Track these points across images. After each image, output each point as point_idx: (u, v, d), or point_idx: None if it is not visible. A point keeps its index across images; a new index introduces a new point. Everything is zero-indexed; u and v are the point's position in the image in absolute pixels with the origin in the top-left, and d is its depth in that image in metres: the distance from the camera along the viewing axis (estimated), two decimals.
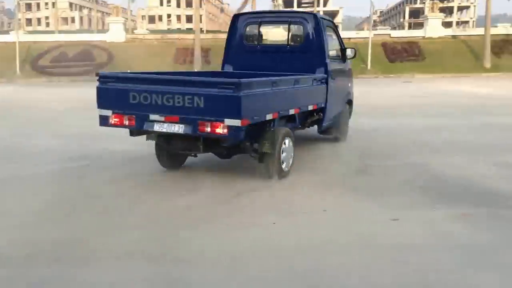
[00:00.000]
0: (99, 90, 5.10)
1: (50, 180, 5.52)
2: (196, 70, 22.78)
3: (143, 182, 5.40)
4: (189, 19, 79.10)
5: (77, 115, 11.15)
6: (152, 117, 4.87)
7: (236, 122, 4.51)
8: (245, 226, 3.97)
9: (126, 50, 32.33)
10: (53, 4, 60.15)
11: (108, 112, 5.04)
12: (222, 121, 4.53)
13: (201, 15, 71.44)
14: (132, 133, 5.42)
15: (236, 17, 7.29)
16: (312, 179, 5.45)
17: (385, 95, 17.54)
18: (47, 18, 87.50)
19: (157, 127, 4.91)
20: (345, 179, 5.45)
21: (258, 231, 3.88)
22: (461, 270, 3.17)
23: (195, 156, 5.76)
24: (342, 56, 7.43)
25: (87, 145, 7.45)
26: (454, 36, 34.76)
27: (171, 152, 5.64)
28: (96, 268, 3.21)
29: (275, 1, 38.56)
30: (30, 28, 77.94)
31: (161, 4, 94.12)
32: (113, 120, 5.03)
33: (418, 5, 79.15)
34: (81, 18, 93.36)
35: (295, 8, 62.20)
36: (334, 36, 7.37)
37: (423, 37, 34.32)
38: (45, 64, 30.51)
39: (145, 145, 6.00)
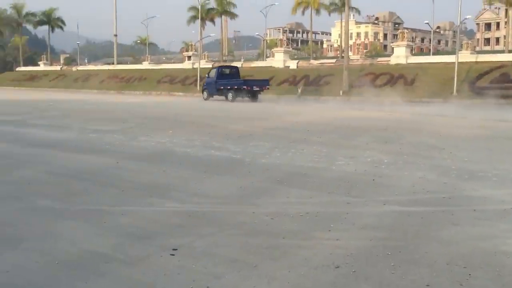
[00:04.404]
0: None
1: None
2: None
3: None
4: None
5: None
6: (254, 87, 29.66)
7: (267, 87, 30.81)
8: None
9: None
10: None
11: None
12: (267, 86, 30.81)
13: None
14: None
15: (218, 67, 33.79)
16: None
17: None
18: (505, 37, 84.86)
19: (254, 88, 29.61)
20: None
21: None
22: None
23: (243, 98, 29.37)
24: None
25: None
26: None
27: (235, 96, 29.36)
28: None
29: None
30: (487, 48, 77.06)
31: None
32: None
33: None
34: None
35: None
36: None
37: None
38: (483, 85, 29.06)
39: None
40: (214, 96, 31.52)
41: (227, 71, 33.07)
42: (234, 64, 50.03)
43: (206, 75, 33.15)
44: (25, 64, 76.84)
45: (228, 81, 30.69)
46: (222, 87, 30.45)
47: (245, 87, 29.07)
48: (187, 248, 3.97)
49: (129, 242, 4.12)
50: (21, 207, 5.17)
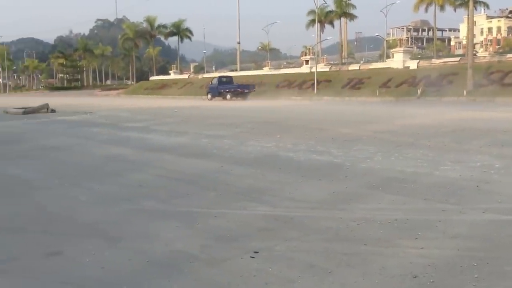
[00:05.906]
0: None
1: None
2: None
3: None
4: None
5: None
6: (245, 90, 41.91)
7: (253, 90, 42.25)
8: None
9: None
10: None
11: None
12: (253, 89, 42.54)
13: None
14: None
15: (218, 77, 46.76)
16: None
17: None
18: None
19: (245, 91, 41.68)
20: None
21: None
22: None
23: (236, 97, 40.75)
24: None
25: None
26: None
27: (232, 96, 41.03)
28: None
29: None
30: None
31: None
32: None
33: None
34: None
35: None
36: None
37: None
38: None
39: None
40: (216, 97, 42.39)
41: (225, 79, 45.36)
42: (352, 67, 49.55)
43: (210, 83, 45.81)
44: (158, 74, 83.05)
45: (226, 86, 42.78)
46: (222, 91, 42.21)
47: (238, 89, 41.35)
48: (268, 251, 4.11)
49: (215, 243, 4.36)
50: (128, 208, 5.69)
